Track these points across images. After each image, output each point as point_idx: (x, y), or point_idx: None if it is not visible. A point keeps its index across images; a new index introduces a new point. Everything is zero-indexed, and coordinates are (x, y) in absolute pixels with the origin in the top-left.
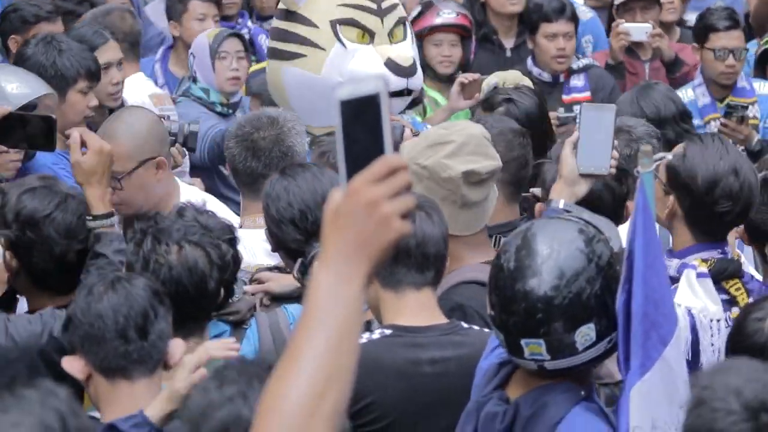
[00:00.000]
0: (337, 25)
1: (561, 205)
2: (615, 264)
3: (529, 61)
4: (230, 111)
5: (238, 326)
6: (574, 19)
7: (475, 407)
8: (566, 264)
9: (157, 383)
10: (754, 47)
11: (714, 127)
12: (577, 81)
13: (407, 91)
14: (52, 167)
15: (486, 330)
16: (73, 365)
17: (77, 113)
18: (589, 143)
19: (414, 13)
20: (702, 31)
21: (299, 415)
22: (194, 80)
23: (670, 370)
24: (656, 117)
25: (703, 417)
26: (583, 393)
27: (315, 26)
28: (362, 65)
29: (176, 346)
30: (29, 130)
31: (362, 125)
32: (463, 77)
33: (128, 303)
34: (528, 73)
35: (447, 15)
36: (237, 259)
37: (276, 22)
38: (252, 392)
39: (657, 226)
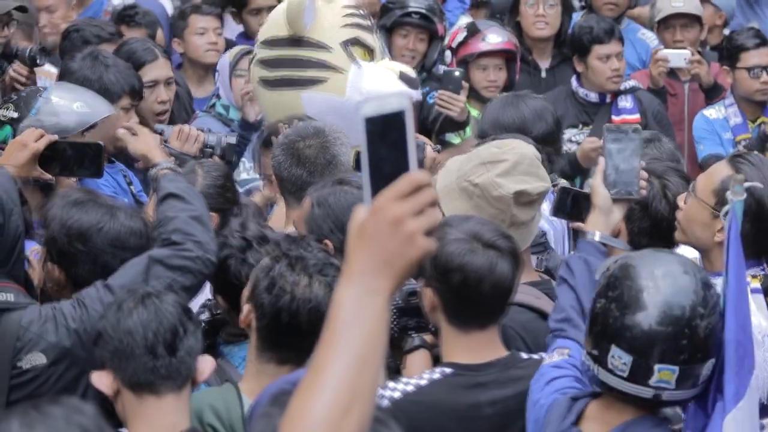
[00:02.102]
0: (348, 45)
1: (597, 238)
2: None
3: (574, 81)
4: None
5: None
6: (622, 40)
7: None
8: (715, 296)
9: (186, 399)
10: None
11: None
12: (626, 102)
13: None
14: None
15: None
16: (101, 381)
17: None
18: (617, 167)
19: (460, 38)
20: (732, 52)
21: (324, 427)
22: (219, 97)
23: (755, 397)
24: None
25: None
26: (670, 427)
27: (328, 49)
28: (380, 82)
29: (205, 362)
30: (76, 156)
31: (387, 142)
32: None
33: (158, 319)
34: (573, 94)
35: (493, 40)
36: None
37: (275, 52)
38: None
39: None
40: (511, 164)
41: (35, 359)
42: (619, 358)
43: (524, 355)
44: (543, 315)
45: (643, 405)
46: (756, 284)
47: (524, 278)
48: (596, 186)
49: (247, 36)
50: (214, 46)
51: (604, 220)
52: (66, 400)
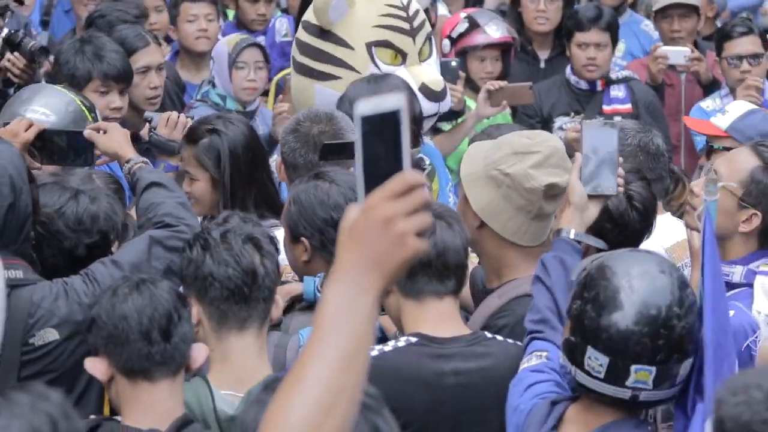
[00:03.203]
0: (373, 47)
1: (572, 235)
2: None
3: (568, 69)
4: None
5: None
6: (611, 29)
7: None
8: (692, 295)
9: (179, 386)
10: None
11: None
12: (618, 92)
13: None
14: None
15: (509, 341)
16: (96, 366)
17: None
18: (594, 163)
19: (461, 29)
20: (719, 42)
21: (304, 430)
22: (213, 85)
23: None
24: None
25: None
26: (650, 429)
27: (350, 48)
28: None
29: (199, 349)
30: (65, 145)
31: (382, 141)
32: (490, 84)
33: (152, 305)
34: (566, 82)
35: (494, 33)
36: (278, 273)
37: (307, 37)
38: None
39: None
40: (543, 156)
41: (48, 335)
42: (596, 360)
43: (489, 335)
44: None
45: (622, 406)
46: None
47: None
48: (573, 182)
49: (239, 24)
50: (204, 33)
51: (579, 217)
52: (32, 386)
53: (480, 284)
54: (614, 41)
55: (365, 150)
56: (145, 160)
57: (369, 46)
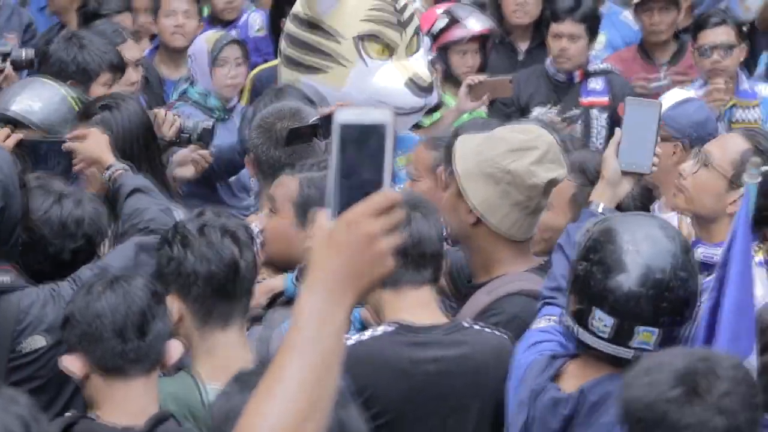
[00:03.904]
0: (361, 40)
1: (600, 209)
2: None
3: (548, 60)
4: (226, 116)
5: None
6: (588, 20)
7: (529, 396)
8: (694, 260)
9: (154, 383)
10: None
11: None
12: (596, 84)
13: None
14: None
15: (487, 330)
16: (71, 364)
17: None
18: (632, 140)
19: (441, 25)
20: (694, 32)
21: None
22: (192, 83)
23: None
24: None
25: None
26: None
27: (339, 41)
28: (385, 82)
29: (174, 346)
30: (45, 154)
31: (362, 153)
32: (471, 79)
33: (126, 302)
34: (545, 73)
35: (474, 27)
36: (257, 263)
37: (294, 29)
38: None
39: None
40: (542, 152)
41: (36, 342)
42: (601, 320)
43: (466, 323)
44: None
45: (620, 364)
46: (761, 257)
47: (527, 264)
48: (608, 157)
49: (213, 19)
50: (180, 29)
51: (610, 192)
52: (1, 391)
53: (463, 275)
54: (592, 33)
55: (341, 158)
56: (126, 166)
57: (357, 38)
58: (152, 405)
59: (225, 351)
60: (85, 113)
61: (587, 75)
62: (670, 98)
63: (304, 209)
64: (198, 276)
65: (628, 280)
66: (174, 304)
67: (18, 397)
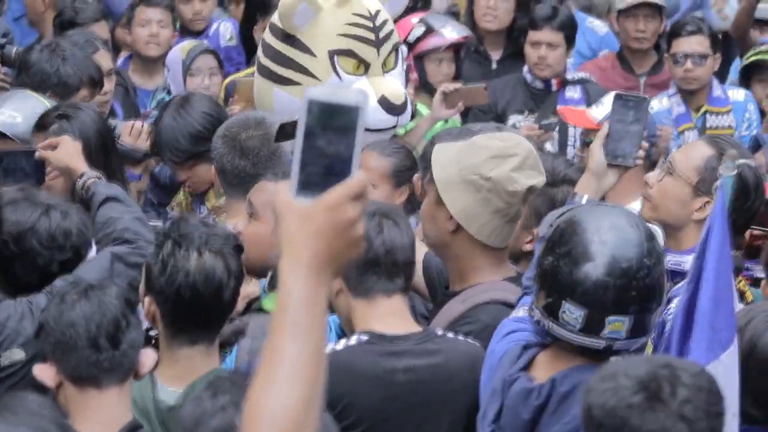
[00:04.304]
0: (335, 55)
1: (584, 201)
2: None
3: (525, 67)
4: None
5: (220, 348)
6: (565, 29)
7: (502, 386)
8: (659, 247)
9: (128, 392)
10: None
11: (690, 137)
12: (573, 93)
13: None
14: None
15: (460, 338)
16: (44, 373)
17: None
18: (619, 133)
19: (418, 33)
20: (668, 39)
21: (292, 422)
22: (168, 92)
23: (723, 375)
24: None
25: None
26: None
27: (313, 55)
28: None
29: (147, 355)
30: (14, 164)
31: (331, 133)
32: (445, 87)
33: (100, 311)
34: (523, 81)
35: (450, 36)
36: (242, 272)
37: (272, 40)
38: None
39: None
40: (521, 159)
41: (14, 355)
42: (571, 313)
43: (439, 331)
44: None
45: (590, 354)
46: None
47: (504, 273)
48: (594, 148)
49: (183, 30)
50: (155, 39)
51: (595, 183)
52: (27, 396)
53: (442, 279)
54: (570, 41)
55: (308, 135)
56: (99, 174)
57: (332, 54)
58: (125, 414)
59: (188, 362)
60: (42, 123)
61: (564, 83)
62: (608, 102)
63: None
64: (180, 296)
65: (595, 270)
66: (150, 306)
67: (45, 403)
